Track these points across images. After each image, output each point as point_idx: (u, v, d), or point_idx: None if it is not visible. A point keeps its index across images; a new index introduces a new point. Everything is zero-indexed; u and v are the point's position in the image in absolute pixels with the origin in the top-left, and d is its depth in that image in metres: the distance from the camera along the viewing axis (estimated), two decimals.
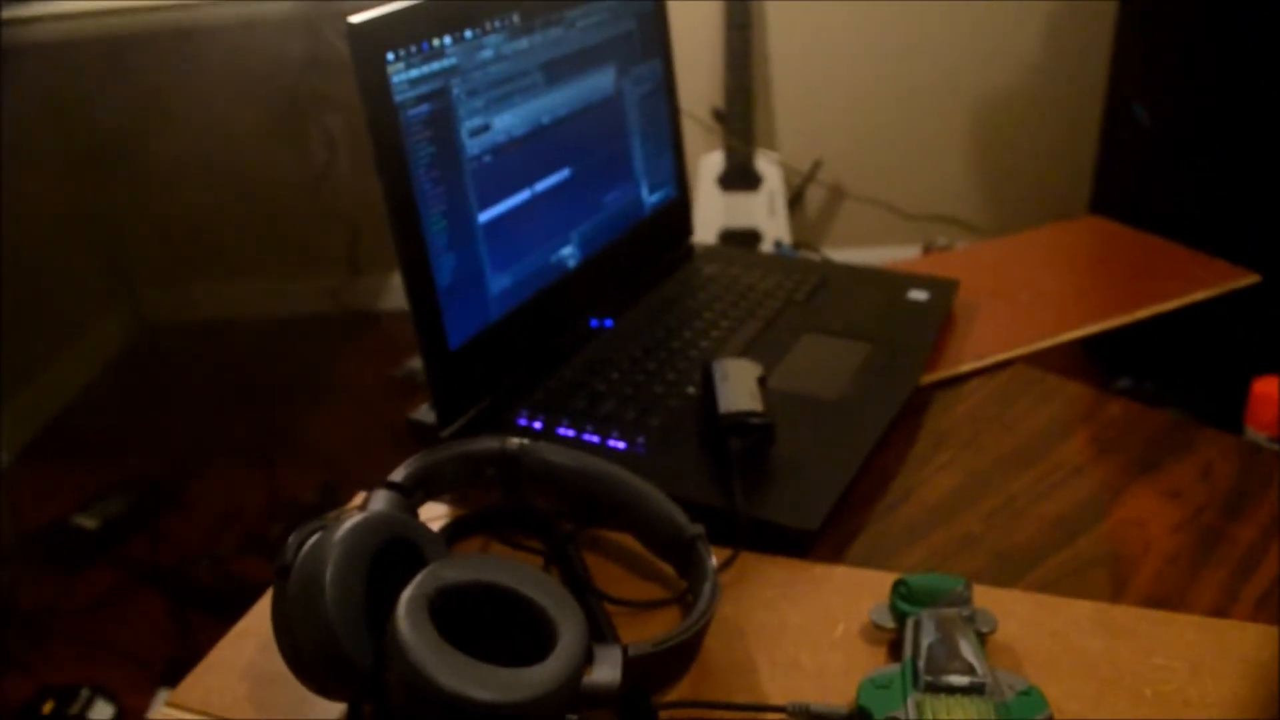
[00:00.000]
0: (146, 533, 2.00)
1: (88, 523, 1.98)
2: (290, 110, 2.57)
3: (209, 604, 1.76)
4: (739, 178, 2.52)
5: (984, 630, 0.56)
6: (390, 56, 0.69)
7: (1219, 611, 0.61)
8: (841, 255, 2.75)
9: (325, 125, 2.58)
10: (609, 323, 0.91)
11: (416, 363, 2.26)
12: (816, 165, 2.66)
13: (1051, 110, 2.62)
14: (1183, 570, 0.65)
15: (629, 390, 0.80)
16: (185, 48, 2.48)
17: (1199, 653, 0.57)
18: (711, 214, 2.52)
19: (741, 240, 2.51)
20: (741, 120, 2.49)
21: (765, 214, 2.51)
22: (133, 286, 2.82)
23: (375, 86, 0.68)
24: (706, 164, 2.54)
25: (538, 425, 0.76)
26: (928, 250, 2.56)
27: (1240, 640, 0.58)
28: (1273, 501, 0.71)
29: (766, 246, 2.50)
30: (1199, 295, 1.00)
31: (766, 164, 2.53)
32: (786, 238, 2.49)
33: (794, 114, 2.65)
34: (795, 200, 2.67)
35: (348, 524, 0.51)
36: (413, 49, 0.71)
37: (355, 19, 0.67)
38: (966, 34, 2.56)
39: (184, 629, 1.72)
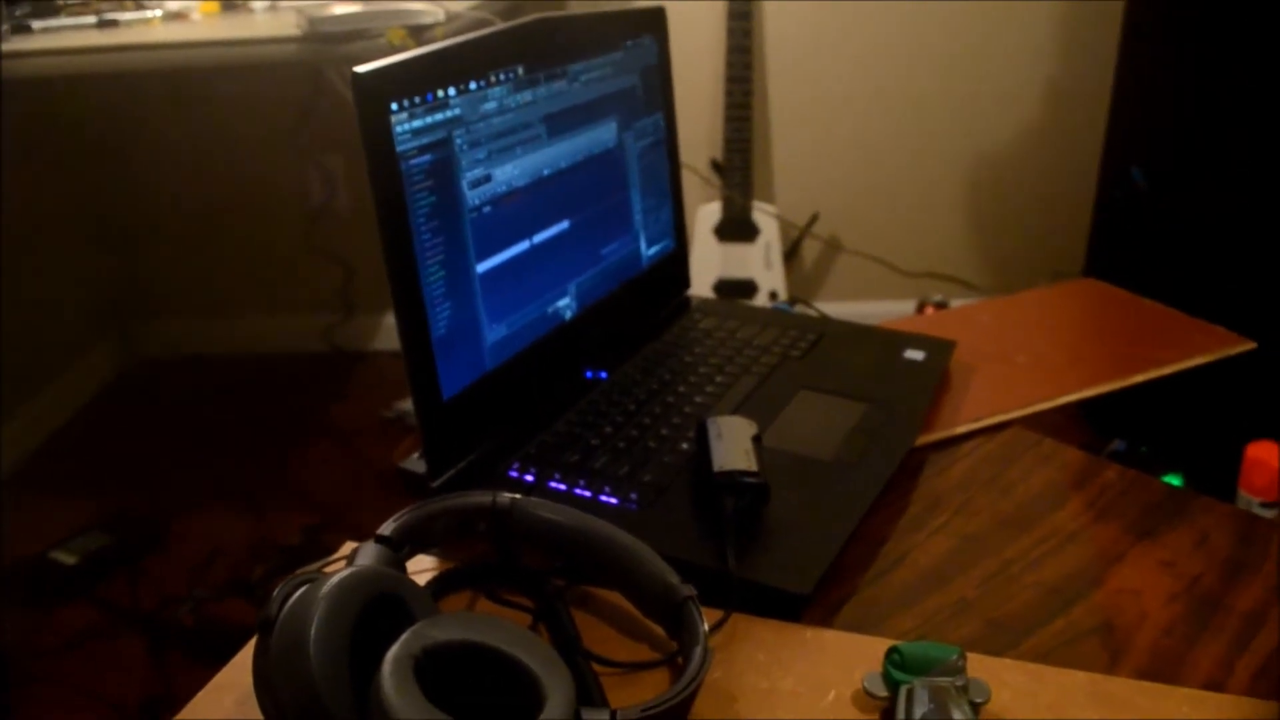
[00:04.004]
0: (127, 571, 1.97)
1: (67, 559, 1.95)
2: (290, 149, 2.58)
3: (189, 646, 1.73)
4: (736, 229, 2.53)
5: (977, 700, 0.55)
6: (394, 106, 0.69)
7: (1215, 685, 0.61)
8: (836, 309, 2.75)
9: (324, 165, 2.59)
10: (604, 375, 0.91)
11: (408, 404, 2.25)
12: (814, 219, 2.68)
13: (1049, 171, 2.64)
14: (1178, 642, 0.64)
15: (622, 445, 0.79)
16: (188, 87, 2.49)
17: None
18: (708, 264, 2.53)
19: (737, 291, 2.51)
20: (740, 172, 2.50)
21: (761, 266, 2.52)
22: (124, 320, 2.82)
23: (378, 136, 0.68)
24: (704, 214, 2.55)
25: (529, 478, 0.76)
26: (922, 307, 2.56)
27: (1236, 714, 0.57)
28: (1269, 572, 0.70)
29: (762, 298, 2.50)
30: (1196, 361, 1.00)
31: (763, 216, 2.54)
32: (782, 290, 2.50)
33: (792, 167, 2.67)
34: (791, 253, 2.68)
35: (334, 579, 0.50)
36: (416, 99, 0.71)
37: (361, 69, 0.67)
38: (966, 93, 2.59)
39: (162, 672, 1.70)
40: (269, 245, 2.72)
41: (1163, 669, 0.62)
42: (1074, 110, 2.57)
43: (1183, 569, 0.71)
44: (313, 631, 0.48)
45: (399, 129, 0.69)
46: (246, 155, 2.61)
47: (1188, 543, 0.74)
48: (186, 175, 2.65)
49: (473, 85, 0.76)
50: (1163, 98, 1.98)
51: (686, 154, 2.61)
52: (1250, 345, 1.03)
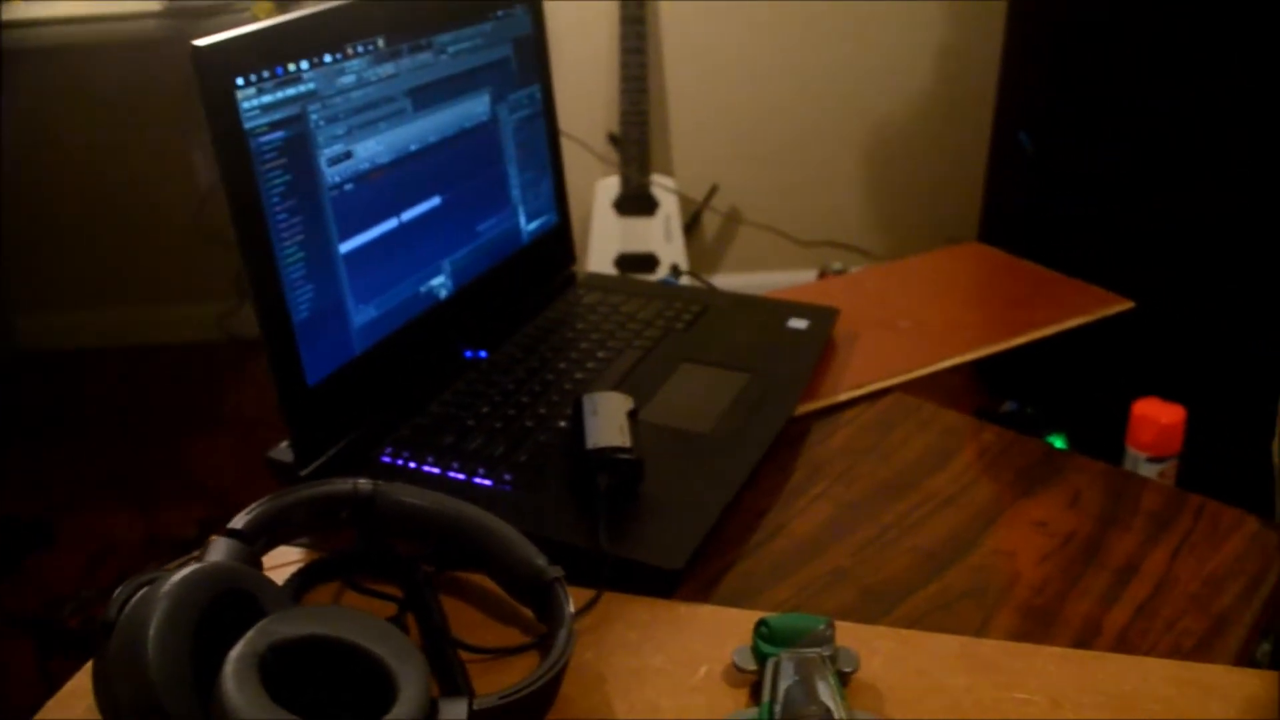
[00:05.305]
0: (14, 573, 1.90)
1: None
2: (174, 131, 2.49)
3: (76, 650, 1.67)
4: (635, 203, 2.52)
5: (846, 670, 0.55)
6: (240, 81, 0.66)
7: (1082, 643, 0.61)
8: (738, 280, 2.76)
9: (208, 148, 2.51)
10: (483, 354, 0.89)
11: None
12: (713, 191, 2.67)
13: (943, 138, 2.67)
14: (1050, 600, 0.65)
15: (499, 425, 0.78)
16: (61, 69, 2.39)
17: (1060, 686, 0.57)
18: (608, 239, 2.52)
19: (638, 266, 2.50)
20: (637, 145, 2.48)
21: (662, 239, 2.51)
22: (4, 314, 2.71)
23: (223, 113, 0.65)
24: (602, 189, 2.53)
25: (403, 463, 0.74)
26: (823, 276, 2.58)
27: (1101, 672, 0.58)
28: (1139, 527, 0.71)
29: (663, 272, 2.50)
30: (1074, 322, 1.02)
31: (662, 189, 2.53)
32: (683, 263, 2.50)
33: (690, 140, 2.66)
34: (692, 226, 2.68)
35: (176, 577, 0.48)
36: (265, 74, 0.68)
37: (200, 42, 0.64)
38: (860, 62, 2.60)
39: (48, 677, 1.64)
40: (156, 232, 2.63)
41: (1034, 629, 0.62)
42: (966, 77, 2.60)
43: (1056, 528, 0.72)
44: (151, 632, 0.46)
45: (246, 105, 0.66)
46: (128, 139, 2.52)
47: (1061, 502, 0.74)
48: (65, 162, 2.55)
49: (328, 58, 0.73)
50: (1049, 62, 2.01)
51: (583, 128, 2.59)
52: (1128, 305, 1.05)
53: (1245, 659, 0.61)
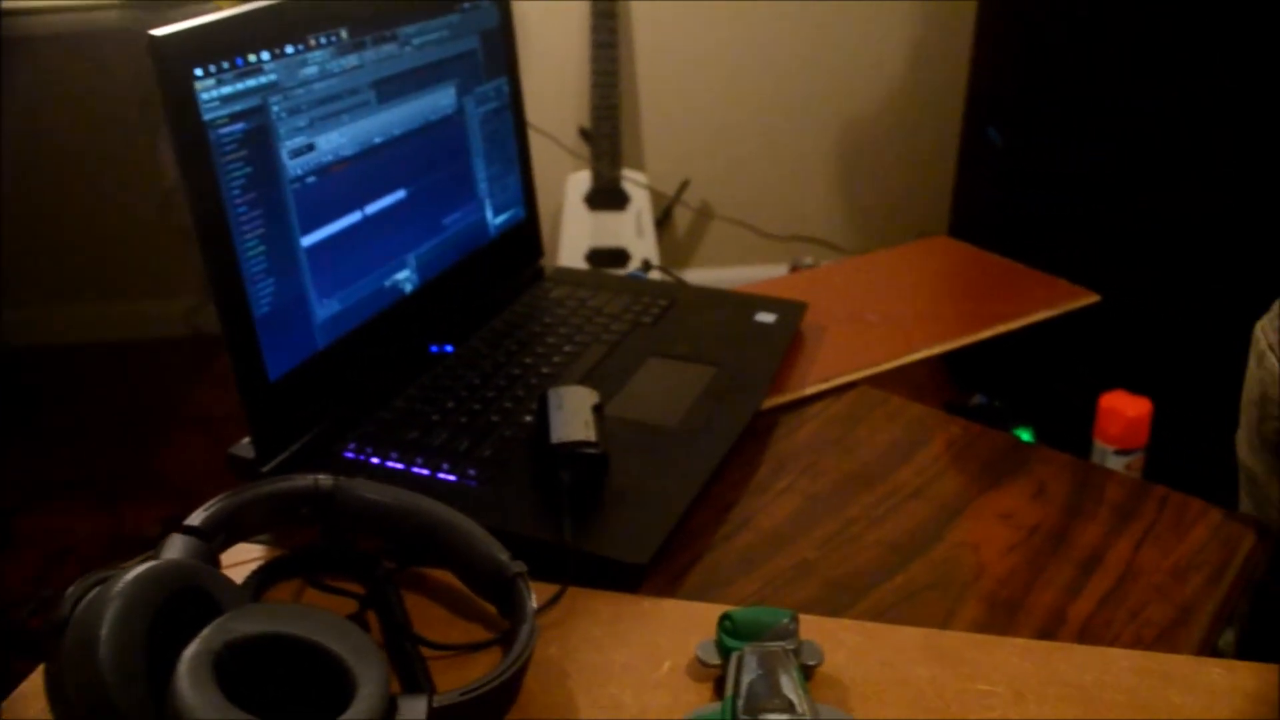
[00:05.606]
0: None
1: None
2: (140, 125, 2.46)
3: (37, 651, 1.65)
4: (606, 197, 2.51)
5: (810, 663, 0.55)
6: (199, 72, 0.65)
7: (1046, 633, 0.61)
8: (710, 275, 2.76)
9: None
10: (449, 349, 0.88)
11: None
12: (684, 185, 2.67)
13: (914, 133, 2.68)
14: (1014, 592, 0.65)
15: (464, 420, 0.77)
16: (26, 58, 2.36)
17: (1023, 677, 0.57)
18: (579, 234, 2.51)
19: (609, 260, 2.50)
20: (608, 140, 2.48)
21: (633, 234, 2.51)
22: None
23: (181, 104, 0.64)
24: (574, 183, 2.52)
25: (366, 459, 0.73)
26: (795, 270, 2.58)
27: (1064, 663, 0.58)
28: (1103, 518, 0.72)
29: (634, 266, 2.49)
30: (1041, 315, 1.02)
31: (633, 184, 2.53)
32: (655, 258, 2.49)
33: (661, 134, 2.66)
34: (663, 220, 2.67)
35: (130, 574, 0.47)
36: (224, 65, 0.67)
37: (158, 32, 0.63)
38: (832, 57, 2.60)
39: (6, 679, 1.62)
40: (122, 227, 2.60)
41: (998, 620, 0.63)
42: (936, 72, 2.61)
43: (1021, 520, 0.72)
44: (104, 631, 0.45)
45: (205, 96, 0.65)
46: (92, 132, 2.49)
47: (1026, 494, 0.75)
48: (28, 156, 2.51)
49: (290, 49, 0.72)
50: (1018, 58, 2.02)
51: (554, 122, 2.58)
52: (1094, 298, 1.05)
53: (1208, 649, 0.62)
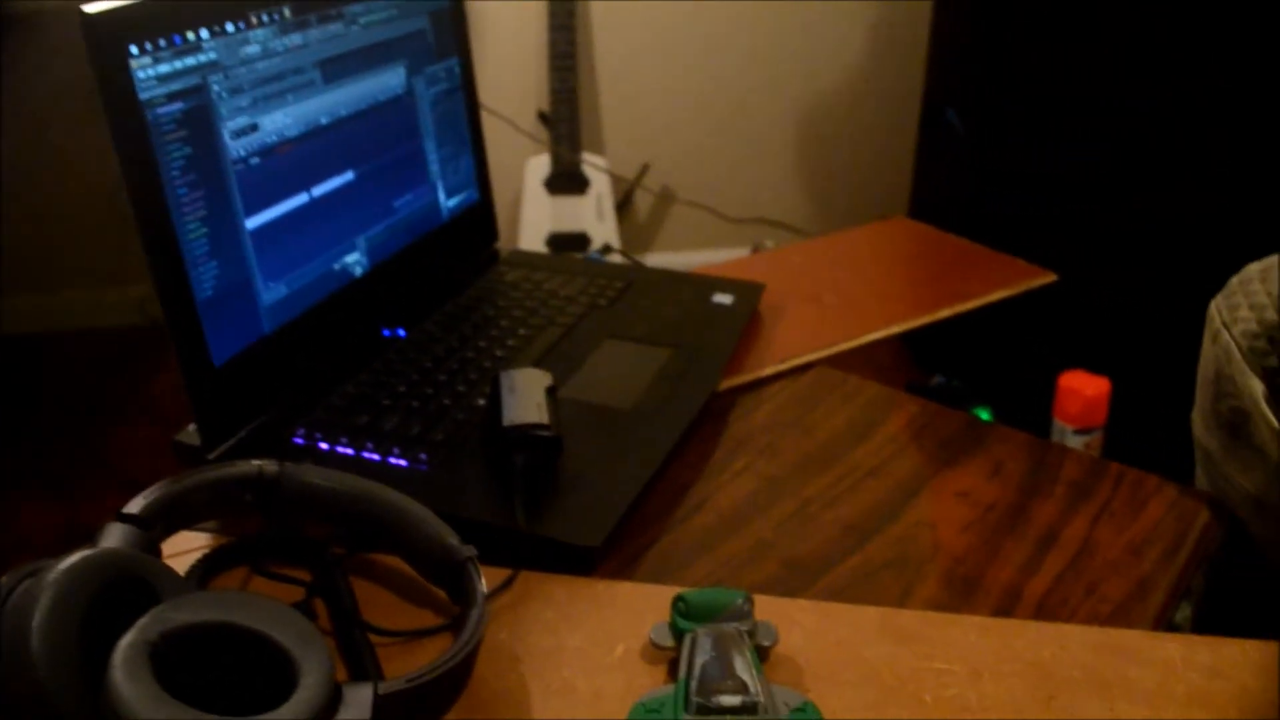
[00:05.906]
0: None
1: None
2: (86, 110, 2.42)
3: None
4: (566, 181, 2.49)
5: (765, 644, 0.54)
6: (134, 50, 0.63)
7: (1003, 611, 0.61)
8: (671, 259, 2.75)
9: None
10: (401, 333, 0.87)
11: None
12: (644, 169, 2.66)
13: (874, 115, 2.68)
14: (971, 570, 0.65)
15: (415, 404, 0.76)
16: None
17: (980, 655, 0.56)
18: (539, 218, 2.49)
19: (570, 245, 2.48)
20: (567, 124, 2.46)
21: (594, 218, 2.49)
22: None
23: (116, 83, 0.62)
24: (533, 167, 2.50)
25: (316, 444, 0.72)
26: (756, 253, 2.58)
27: (1021, 640, 0.58)
28: (1059, 495, 0.71)
29: (595, 251, 2.48)
30: (998, 295, 1.02)
31: (593, 168, 2.51)
32: (615, 242, 2.48)
33: (621, 117, 2.64)
34: (624, 204, 2.66)
35: (62, 564, 0.46)
36: (161, 43, 0.65)
37: (89, 9, 0.61)
38: (790, 39, 2.60)
39: None
40: (72, 215, 2.55)
41: (955, 598, 0.62)
42: (896, 55, 2.61)
43: (977, 498, 0.71)
44: (35, 623, 0.44)
45: (141, 75, 0.64)
46: (39, 120, 2.44)
47: (984, 472, 0.74)
48: None
49: (230, 27, 0.71)
50: (977, 40, 2.02)
51: (512, 106, 2.56)
52: (1051, 278, 1.05)
53: (1164, 623, 0.62)
